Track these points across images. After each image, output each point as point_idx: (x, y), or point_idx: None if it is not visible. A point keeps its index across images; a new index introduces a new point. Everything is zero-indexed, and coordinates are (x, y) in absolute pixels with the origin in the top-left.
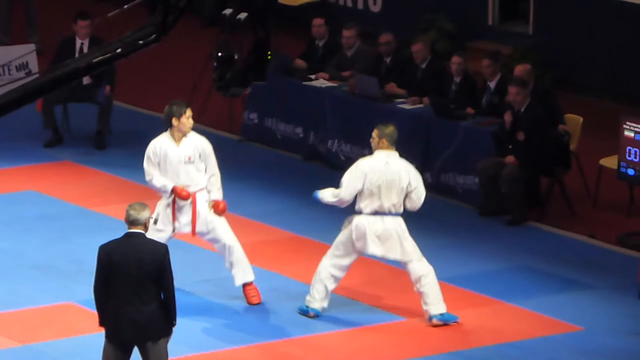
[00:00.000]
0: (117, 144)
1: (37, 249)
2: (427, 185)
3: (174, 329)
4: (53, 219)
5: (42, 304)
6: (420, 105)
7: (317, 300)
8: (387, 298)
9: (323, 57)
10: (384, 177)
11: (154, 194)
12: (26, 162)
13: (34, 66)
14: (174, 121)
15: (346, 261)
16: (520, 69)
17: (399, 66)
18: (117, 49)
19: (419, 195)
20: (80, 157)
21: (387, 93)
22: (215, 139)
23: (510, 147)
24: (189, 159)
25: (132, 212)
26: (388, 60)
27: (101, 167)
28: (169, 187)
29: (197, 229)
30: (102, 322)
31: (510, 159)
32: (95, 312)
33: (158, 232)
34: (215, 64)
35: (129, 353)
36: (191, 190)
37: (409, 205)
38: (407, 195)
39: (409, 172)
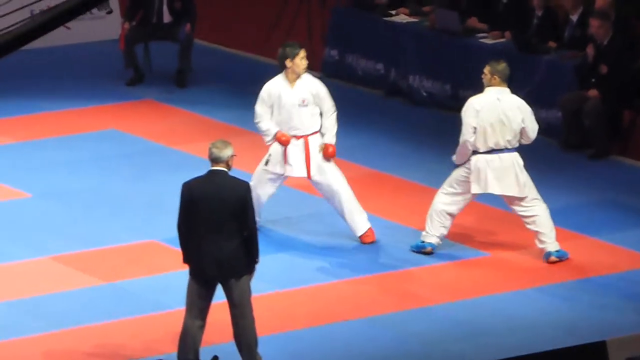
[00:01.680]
0: (198, 82)
1: (120, 187)
2: None
3: (257, 266)
4: (135, 157)
5: (125, 242)
6: (502, 40)
7: (433, 235)
8: (469, 234)
9: None
10: (496, 114)
11: (236, 131)
12: (108, 101)
13: (115, 5)
14: (288, 62)
15: (461, 198)
16: (601, 2)
17: (480, 0)
18: None
19: (533, 130)
20: (162, 95)
21: (468, 28)
22: None
23: (593, 80)
24: (303, 101)
25: (214, 149)
26: None
27: (183, 105)
28: (272, 132)
29: (314, 173)
30: (186, 259)
31: (593, 92)
32: (177, 249)
33: (268, 174)
34: None
35: (212, 290)
36: (302, 133)
37: (523, 141)
38: (520, 131)
39: (521, 107)
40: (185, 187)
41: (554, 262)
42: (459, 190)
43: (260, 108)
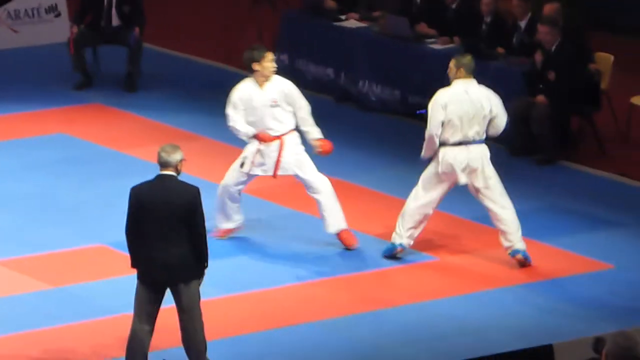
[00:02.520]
0: (148, 87)
1: (68, 191)
2: None
3: (206, 270)
4: (83, 161)
5: (73, 246)
6: (451, 45)
7: (403, 236)
8: (418, 238)
9: None
10: (464, 106)
11: (186, 136)
12: (56, 104)
13: (63, 8)
14: (256, 66)
15: (435, 195)
16: (549, 8)
17: (429, 6)
18: None
19: (501, 121)
20: (111, 100)
21: (417, 33)
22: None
23: (540, 86)
24: (274, 102)
25: (163, 154)
26: (419, 0)
27: (131, 109)
28: (251, 133)
29: (287, 172)
30: (134, 264)
31: (541, 98)
32: (126, 254)
33: (242, 176)
34: None
35: (161, 294)
36: (276, 133)
37: (491, 132)
38: (489, 122)
39: (490, 98)
40: (133, 192)
41: (521, 261)
42: (431, 187)
43: (232, 111)
